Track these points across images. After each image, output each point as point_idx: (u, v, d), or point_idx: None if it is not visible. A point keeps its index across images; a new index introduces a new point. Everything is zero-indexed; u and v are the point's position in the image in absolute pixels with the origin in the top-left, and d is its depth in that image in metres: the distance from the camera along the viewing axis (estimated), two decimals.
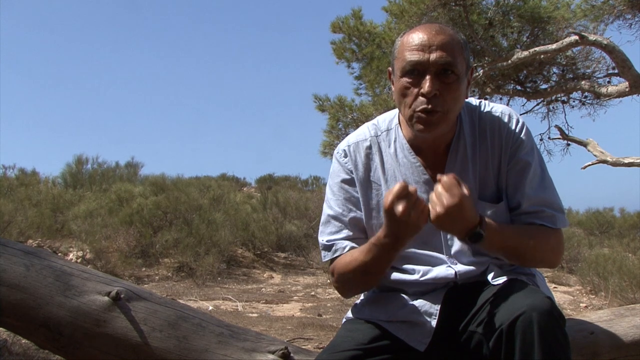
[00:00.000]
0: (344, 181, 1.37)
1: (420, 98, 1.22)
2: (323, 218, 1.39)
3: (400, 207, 1.11)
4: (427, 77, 1.21)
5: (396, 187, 1.13)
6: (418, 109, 1.23)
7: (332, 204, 1.38)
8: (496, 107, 1.36)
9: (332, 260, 1.36)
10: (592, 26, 5.91)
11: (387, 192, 1.15)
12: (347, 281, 1.34)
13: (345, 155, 1.39)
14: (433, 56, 1.21)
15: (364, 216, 1.36)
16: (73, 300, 1.42)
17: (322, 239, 1.38)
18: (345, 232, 1.35)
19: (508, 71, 6.27)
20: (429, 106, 1.21)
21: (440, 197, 1.12)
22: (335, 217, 1.36)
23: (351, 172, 1.37)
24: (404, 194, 1.12)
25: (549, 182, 1.32)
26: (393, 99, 1.35)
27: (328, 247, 1.36)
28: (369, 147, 1.37)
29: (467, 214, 1.13)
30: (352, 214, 1.35)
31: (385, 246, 1.20)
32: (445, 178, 1.14)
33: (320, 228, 1.39)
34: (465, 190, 1.12)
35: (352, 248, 1.33)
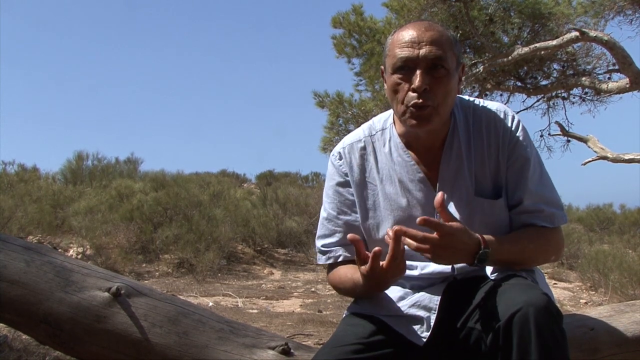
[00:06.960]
0: (338, 184, 1.40)
1: (411, 93, 1.23)
2: (320, 221, 1.43)
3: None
4: (418, 72, 1.22)
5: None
6: (410, 104, 1.23)
7: (326, 206, 1.41)
8: (490, 104, 1.36)
9: (327, 265, 1.41)
10: (592, 22, 5.90)
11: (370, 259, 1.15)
12: (342, 292, 1.41)
13: (340, 158, 1.40)
14: (423, 51, 1.22)
15: (360, 217, 1.37)
16: (73, 296, 1.42)
17: (318, 243, 1.42)
18: (339, 236, 1.38)
19: (508, 67, 6.26)
20: (420, 101, 1.22)
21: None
22: (329, 220, 1.40)
23: (346, 174, 1.39)
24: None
25: (547, 178, 1.33)
26: None
27: (322, 252, 1.41)
28: (364, 148, 1.39)
29: (466, 238, 1.16)
30: (346, 217, 1.38)
31: (368, 289, 1.26)
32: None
33: (317, 230, 1.43)
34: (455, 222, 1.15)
35: (345, 258, 1.37)
